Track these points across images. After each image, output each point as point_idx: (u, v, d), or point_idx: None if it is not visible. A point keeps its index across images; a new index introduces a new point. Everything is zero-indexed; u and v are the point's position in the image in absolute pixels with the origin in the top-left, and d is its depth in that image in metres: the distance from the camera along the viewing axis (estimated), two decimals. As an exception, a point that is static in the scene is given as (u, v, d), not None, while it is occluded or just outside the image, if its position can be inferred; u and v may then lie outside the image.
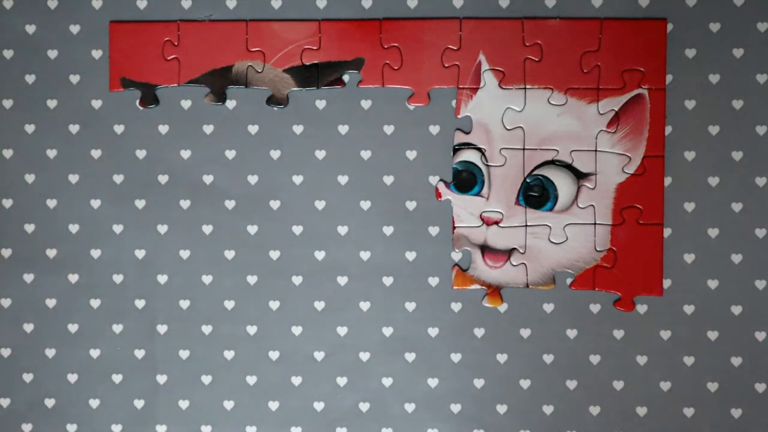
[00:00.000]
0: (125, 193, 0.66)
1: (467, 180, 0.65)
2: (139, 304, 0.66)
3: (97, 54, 0.66)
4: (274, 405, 0.66)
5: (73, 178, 0.66)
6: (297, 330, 0.66)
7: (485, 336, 0.66)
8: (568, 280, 0.65)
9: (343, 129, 0.66)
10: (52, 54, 0.66)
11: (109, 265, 0.66)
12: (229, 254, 0.66)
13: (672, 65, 0.65)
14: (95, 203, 0.66)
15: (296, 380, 0.66)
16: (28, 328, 0.67)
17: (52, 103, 0.66)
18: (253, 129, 0.66)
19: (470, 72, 0.65)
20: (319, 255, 0.66)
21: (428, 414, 0.66)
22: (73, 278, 0.66)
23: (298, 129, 0.66)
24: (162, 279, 0.66)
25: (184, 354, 0.66)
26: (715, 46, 0.65)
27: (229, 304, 0.66)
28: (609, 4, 0.65)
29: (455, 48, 0.65)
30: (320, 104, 0.66)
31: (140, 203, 0.66)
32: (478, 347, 0.66)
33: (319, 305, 0.66)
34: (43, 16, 0.66)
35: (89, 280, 0.66)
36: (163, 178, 0.66)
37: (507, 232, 0.65)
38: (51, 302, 0.66)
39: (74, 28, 0.66)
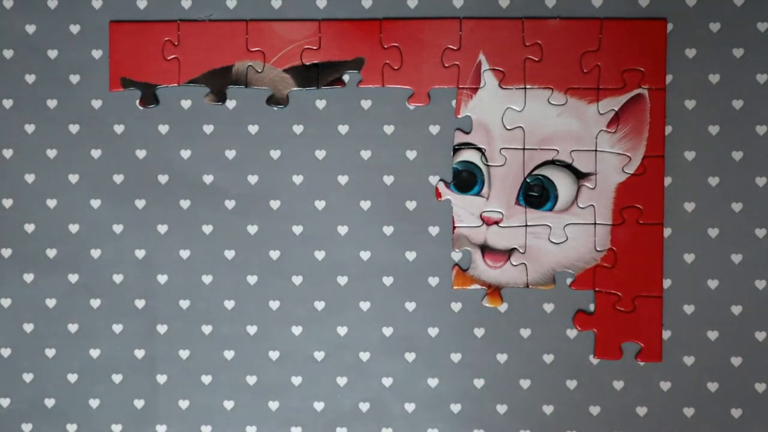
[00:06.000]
0: (125, 193, 0.66)
1: (467, 180, 0.65)
2: (139, 304, 0.66)
3: (97, 54, 0.66)
4: (274, 405, 0.66)
5: (73, 178, 0.66)
6: (297, 330, 0.66)
7: (485, 336, 0.66)
8: (568, 280, 0.65)
9: (343, 129, 0.66)
10: (52, 54, 0.66)
11: (109, 265, 0.66)
12: (229, 254, 0.66)
13: (672, 65, 0.65)
14: (95, 203, 0.66)
15: (296, 380, 0.66)
16: (28, 328, 0.67)
17: (52, 103, 0.66)
18: (253, 129, 0.66)
19: (470, 72, 0.65)
20: (319, 255, 0.66)
21: (428, 414, 0.66)
22: (73, 278, 0.66)
23: (298, 129, 0.66)
24: (162, 279, 0.66)
25: (184, 354, 0.66)
26: (715, 46, 0.65)
27: (229, 304, 0.66)
28: (609, 4, 0.65)
29: (455, 48, 0.65)
30: (320, 104, 0.66)
31: (140, 203, 0.66)
32: (478, 347, 0.66)
33: (319, 305, 0.66)
34: (43, 16, 0.66)
35: (89, 280, 0.66)
36: (163, 178, 0.66)
37: (507, 232, 0.65)
38: (51, 302, 0.67)
39: (74, 28, 0.66)
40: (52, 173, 0.67)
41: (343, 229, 0.66)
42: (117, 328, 0.67)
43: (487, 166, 0.65)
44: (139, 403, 0.67)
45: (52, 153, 0.67)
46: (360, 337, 0.66)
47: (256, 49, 0.65)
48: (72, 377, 0.67)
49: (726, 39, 0.65)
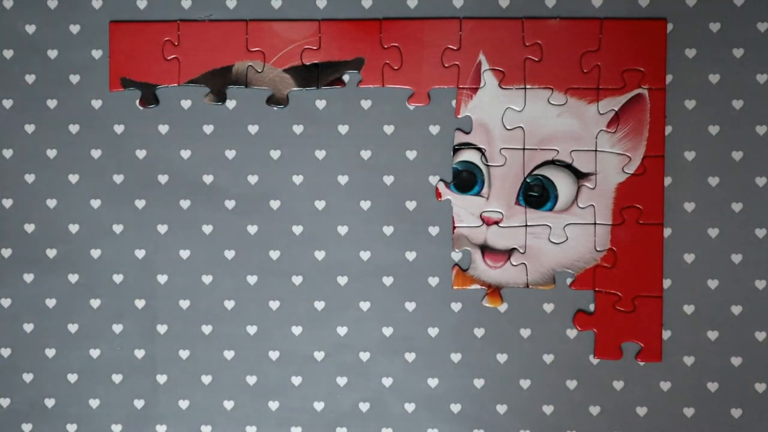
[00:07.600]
0: (125, 193, 0.66)
1: (467, 180, 0.65)
2: (139, 304, 0.66)
3: (97, 54, 0.66)
4: (274, 405, 0.66)
5: (73, 178, 0.66)
6: (297, 330, 0.66)
7: (485, 336, 0.66)
8: (568, 280, 0.65)
9: (343, 129, 0.66)
10: (52, 54, 0.66)
11: (109, 265, 0.66)
12: (229, 254, 0.66)
13: (672, 65, 0.65)
14: (95, 203, 0.66)
15: (296, 380, 0.66)
16: (28, 328, 0.67)
17: (52, 103, 0.66)
18: (253, 129, 0.66)
19: (470, 72, 0.65)
20: (319, 255, 0.66)
21: (428, 414, 0.66)
22: (73, 278, 0.66)
23: (298, 129, 0.66)
24: (162, 279, 0.66)
25: (184, 354, 0.66)
26: (715, 46, 0.65)
27: (229, 304, 0.66)
28: (609, 4, 0.65)
29: (455, 48, 0.65)
30: (320, 104, 0.66)
31: (140, 203, 0.66)
32: (478, 347, 0.66)
33: (319, 305, 0.66)
34: (43, 16, 0.66)
35: (89, 280, 0.66)
36: (163, 178, 0.66)
37: (507, 232, 0.65)
38: (51, 302, 0.67)
39: (74, 28, 0.66)
40: (52, 173, 0.67)
41: (343, 229, 0.66)
42: (117, 328, 0.67)
43: (487, 166, 0.65)
44: (139, 403, 0.67)
45: (52, 153, 0.67)
46: (360, 337, 0.66)
47: (256, 49, 0.65)
48: (72, 377, 0.67)
49: (726, 39, 0.65)
